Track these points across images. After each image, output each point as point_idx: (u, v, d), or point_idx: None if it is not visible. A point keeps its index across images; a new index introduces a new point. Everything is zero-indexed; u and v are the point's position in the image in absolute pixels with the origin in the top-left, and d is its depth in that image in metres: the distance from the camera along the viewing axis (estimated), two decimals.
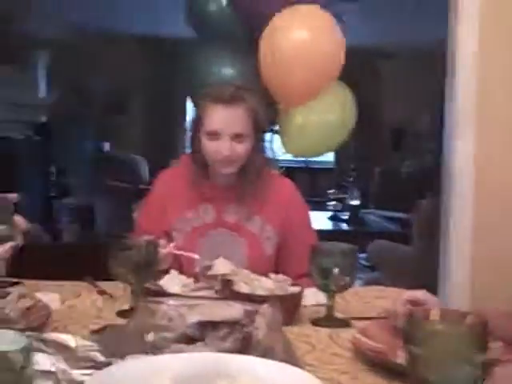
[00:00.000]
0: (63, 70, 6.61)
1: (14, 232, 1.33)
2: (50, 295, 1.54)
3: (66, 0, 5.48)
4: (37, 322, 1.28)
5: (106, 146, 7.55)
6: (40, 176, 6.18)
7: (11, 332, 0.88)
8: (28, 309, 1.34)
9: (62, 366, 1.01)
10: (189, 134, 2.01)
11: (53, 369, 0.99)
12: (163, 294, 1.46)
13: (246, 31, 2.96)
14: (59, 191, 6.37)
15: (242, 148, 1.91)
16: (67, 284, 1.77)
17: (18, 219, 1.36)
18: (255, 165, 1.96)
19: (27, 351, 0.82)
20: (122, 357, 1.01)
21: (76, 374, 0.99)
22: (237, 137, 1.90)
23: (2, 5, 5.21)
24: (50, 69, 6.87)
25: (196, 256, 1.79)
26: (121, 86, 7.47)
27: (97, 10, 5.85)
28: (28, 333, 1.00)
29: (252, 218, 1.97)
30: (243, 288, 1.49)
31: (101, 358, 1.03)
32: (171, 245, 1.80)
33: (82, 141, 7.06)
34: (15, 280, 1.66)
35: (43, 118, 6.56)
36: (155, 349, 1.04)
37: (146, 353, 1.01)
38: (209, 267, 1.61)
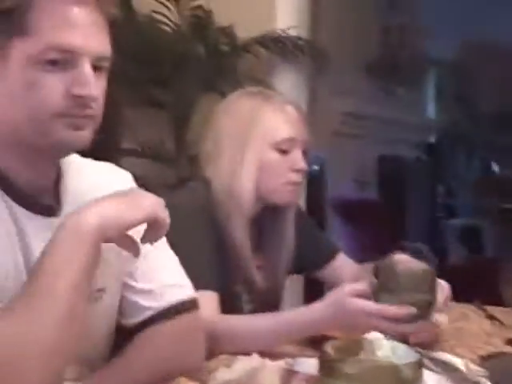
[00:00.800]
0: (452, 90, 6.63)
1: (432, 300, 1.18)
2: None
3: (461, 18, 5.49)
4: (426, 340, 1.31)
5: (494, 167, 7.34)
6: (427, 196, 6.28)
7: (404, 346, 0.91)
8: None
9: None
10: None
11: None
12: None
13: None
14: (445, 211, 6.38)
15: None
16: (454, 305, 1.76)
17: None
18: None
19: (418, 366, 0.84)
20: None
21: None
22: None
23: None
24: (438, 88, 6.96)
25: None
26: (510, 104, 7.19)
27: (487, 24, 5.75)
28: (419, 349, 1.02)
29: None
30: None
31: None
32: None
33: (469, 161, 6.98)
34: None
35: (432, 139, 6.66)
36: None
37: None
38: None
